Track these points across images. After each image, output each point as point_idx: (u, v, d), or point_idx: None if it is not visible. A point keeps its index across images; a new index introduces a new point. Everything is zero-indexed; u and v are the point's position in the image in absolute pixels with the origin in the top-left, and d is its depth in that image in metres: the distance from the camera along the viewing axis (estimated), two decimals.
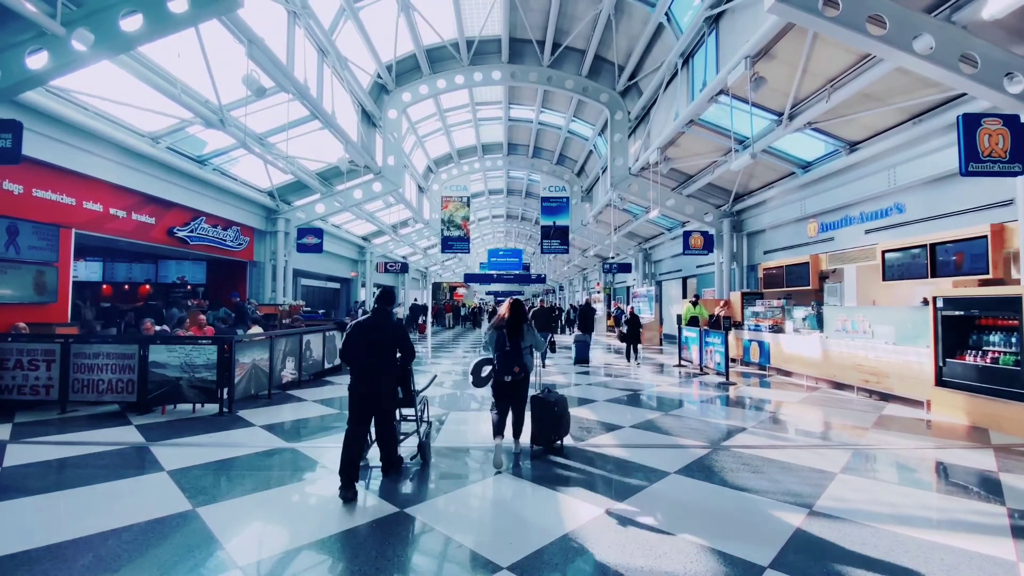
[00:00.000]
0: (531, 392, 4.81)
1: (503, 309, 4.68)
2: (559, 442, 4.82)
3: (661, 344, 16.18)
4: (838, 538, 3.01)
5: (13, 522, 3.19)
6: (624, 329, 11.86)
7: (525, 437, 4.74)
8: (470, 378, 4.62)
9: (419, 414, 4.47)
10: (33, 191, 7.46)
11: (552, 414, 4.74)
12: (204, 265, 13.75)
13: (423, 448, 4.36)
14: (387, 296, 4.17)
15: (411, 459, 4.39)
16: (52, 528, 3.07)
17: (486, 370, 4.53)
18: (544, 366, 7.10)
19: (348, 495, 3.54)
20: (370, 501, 3.62)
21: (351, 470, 3.63)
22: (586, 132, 17.57)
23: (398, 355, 4.06)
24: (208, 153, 10.87)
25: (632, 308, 14.11)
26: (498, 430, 4.43)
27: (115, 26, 4.94)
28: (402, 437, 4.40)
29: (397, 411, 4.36)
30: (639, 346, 11.92)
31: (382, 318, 4.02)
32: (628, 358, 11.56)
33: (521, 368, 4.48)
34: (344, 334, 4.06)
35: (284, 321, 11.93)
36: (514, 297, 5.06)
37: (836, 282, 10.57)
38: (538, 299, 24.93)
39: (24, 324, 6.88)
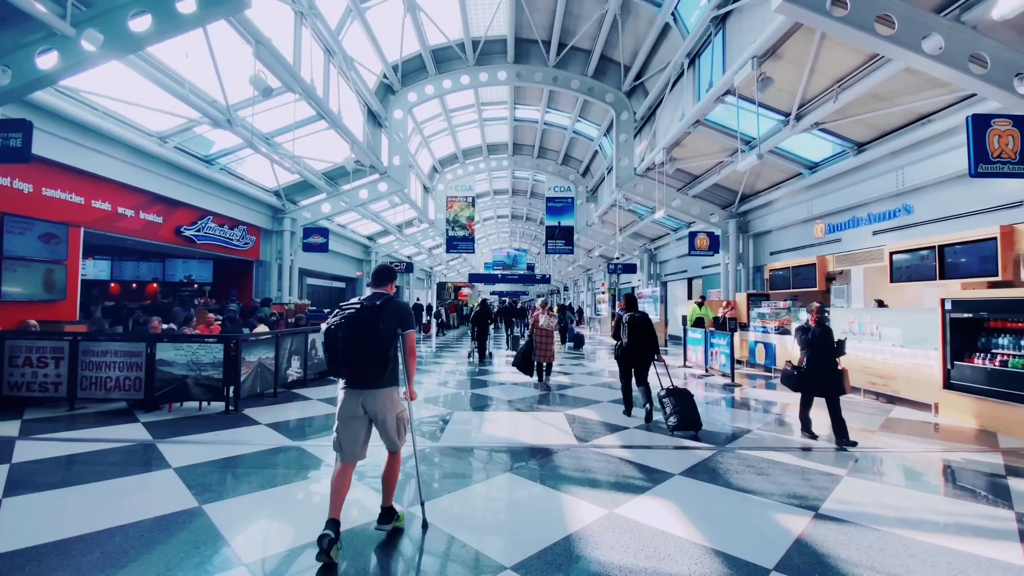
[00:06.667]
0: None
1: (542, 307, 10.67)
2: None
3: (666, 345, 16.12)
4: (844, 541, 2.99)
5: (22, 517, 3.23)
6: None
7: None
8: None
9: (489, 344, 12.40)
10: (43, 190, 7.53)
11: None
12: (211, 264, 13.81)
13: (491, 355, 12.06)
14: (484, 304, 12.51)
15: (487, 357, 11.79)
16: (60, 524, 3.11)
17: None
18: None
19: (479, 362, 11.41)
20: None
21: (479, 355, 11.80)
22: (591, 132, 17.55)
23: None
24: (215, 153, 10.93)
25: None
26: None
27: (124, 26, 4.97)
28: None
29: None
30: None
31: (483, 311, 12.11)
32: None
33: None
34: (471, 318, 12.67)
35: (289, 320, 11.98)
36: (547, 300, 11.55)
37: (843, 284, 10.50)
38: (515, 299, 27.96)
39: (35, 322, 6.95)
